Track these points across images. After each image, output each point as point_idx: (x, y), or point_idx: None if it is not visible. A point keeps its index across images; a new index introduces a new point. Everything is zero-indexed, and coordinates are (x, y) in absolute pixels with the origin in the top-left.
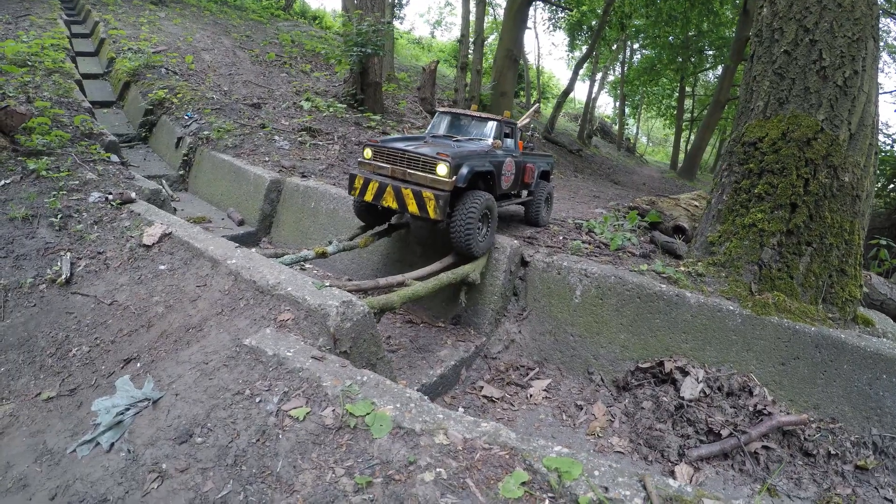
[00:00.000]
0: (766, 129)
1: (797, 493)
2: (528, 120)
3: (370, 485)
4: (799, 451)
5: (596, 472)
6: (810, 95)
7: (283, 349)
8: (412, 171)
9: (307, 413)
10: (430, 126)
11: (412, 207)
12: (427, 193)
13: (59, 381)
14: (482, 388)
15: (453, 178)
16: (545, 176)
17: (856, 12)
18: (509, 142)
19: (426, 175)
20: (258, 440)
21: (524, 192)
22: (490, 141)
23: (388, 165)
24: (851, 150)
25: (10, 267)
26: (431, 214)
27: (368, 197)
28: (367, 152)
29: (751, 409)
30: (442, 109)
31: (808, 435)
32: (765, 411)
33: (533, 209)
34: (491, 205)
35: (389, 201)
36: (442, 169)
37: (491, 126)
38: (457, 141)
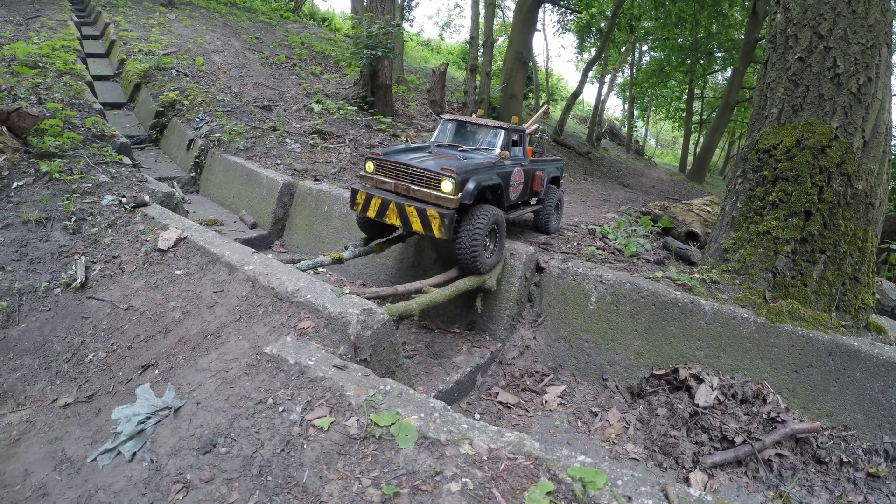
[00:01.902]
0: (780, 137)
1: (809, 501)
2: (536, 125)
3: (397, 495)
4: (812, 458)
5: (619, 482)
6: (825, 103)
7: (305, 357)
8: (416, 188)
9: (331, 423)
10: (435, 133)
11: (416, 226)
12: (432, 212)
13: (76, 386)
14: (497, 394)
15: (459, 195)
16: (555, 181)
17: (869, 19)
18: (517, 150)
19: (430, 192)
20: (283, 450)
21: (533, 200)
22: (497, 151)
23: (391, 180)
24: (865, 157)
25: (25, 270)
26: (436, 234)
27: (371, 213)
28: (370, 165)
29: (764, 416)
30: (447, 116)
31: (821, 442)
32: (778, 419)
33: (543, 216)
34: (499, 219)
35: (393, 219)
36: (447, 185)
37: (498, 135)
38: (462, 151)
